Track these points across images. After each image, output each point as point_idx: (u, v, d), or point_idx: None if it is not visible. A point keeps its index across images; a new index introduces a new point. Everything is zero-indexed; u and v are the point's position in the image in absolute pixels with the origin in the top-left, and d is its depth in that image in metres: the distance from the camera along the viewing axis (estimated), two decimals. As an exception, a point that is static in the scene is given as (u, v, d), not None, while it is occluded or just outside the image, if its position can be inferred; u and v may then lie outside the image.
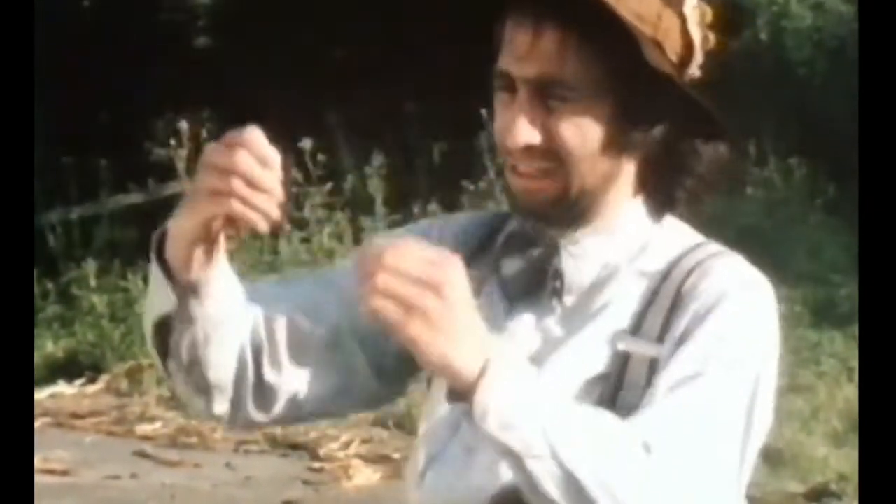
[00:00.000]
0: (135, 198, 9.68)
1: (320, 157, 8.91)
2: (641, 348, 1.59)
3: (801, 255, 8.14)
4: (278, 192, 1.47)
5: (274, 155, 1.48)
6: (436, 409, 1.69)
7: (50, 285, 8.77)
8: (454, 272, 1.43)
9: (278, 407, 1.69)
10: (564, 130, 1.58)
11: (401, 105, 9.07)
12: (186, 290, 1.57)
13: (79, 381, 7.89)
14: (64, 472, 6.23)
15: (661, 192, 1.66)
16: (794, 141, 8.89)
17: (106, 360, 8.04)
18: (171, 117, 9.40)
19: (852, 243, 6.82)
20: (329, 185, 8.82)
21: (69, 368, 8.08)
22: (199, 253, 1.55)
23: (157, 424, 6.90)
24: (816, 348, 7.03)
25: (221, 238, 1.56)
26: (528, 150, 1.60)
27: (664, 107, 1.60)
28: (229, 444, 6.59)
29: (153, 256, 1.58)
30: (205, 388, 1.65)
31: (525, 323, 1.65)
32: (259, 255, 8.55)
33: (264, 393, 1.68)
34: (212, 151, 1.50)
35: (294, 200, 8.77)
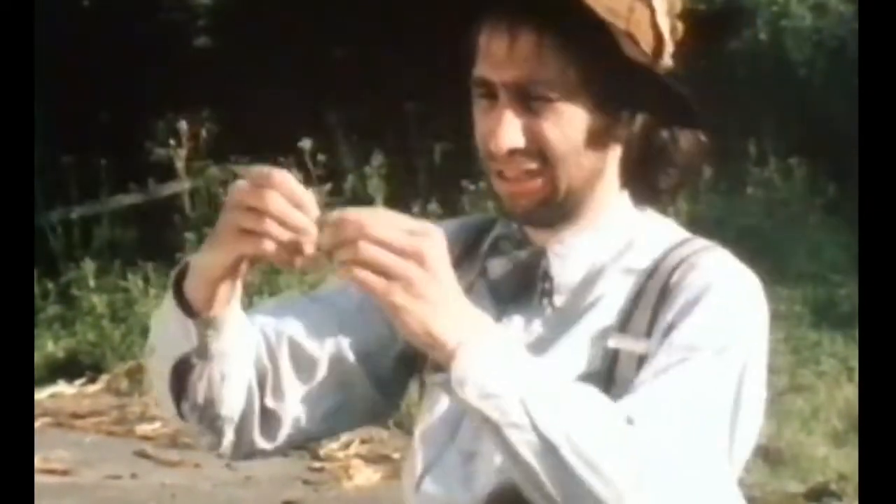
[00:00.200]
0: (135, 198, 9.68)
1: (320, 156, 8.91)
2: (630, 345, 1.60)
3: (801, 255, 8.14)
4: (313, 232, 1.46)
5: (308, 196, 1.47)
6: (433, 410, 1.69)
7: (50, 285, 8.76)
8: (436, 242, 1.44)
9: (283, 433, 1.70)
10: (548, 131, 1.60)
11: (401, 105, 9.06)
12: (206, 327, 1.57)
13: (79, 381, 7.89)
14: (64, 472, 6.23)
15: (644, 182, 1.67)
16: (794, 141, 8.89)
17: (106, 360, 8.04)
18: (171, 117, 9.40)
19: (852, 243, 6.82)
20: (329, 185, 8.82)
21: (69, 368, 8.08)
22: (223, 290, 1.55)
23: (158, 424, 6.88)
24: (816, 348, 7.02)
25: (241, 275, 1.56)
26: (513, 153, 1.61)
27: (643, 97, 1.62)
28: (229, 444, 6.58)
29: (171, 293, 1.58)
30: (218, 426, 1.66)
31: (516, 325, 1.66)
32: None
33: (269, 421, 1.69)
34: (240, 190, 1.48)
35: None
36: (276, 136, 8.93)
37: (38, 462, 5.34)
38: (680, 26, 1.67)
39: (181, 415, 1.65)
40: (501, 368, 1.45)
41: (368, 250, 1.42)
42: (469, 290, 1.61)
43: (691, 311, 1.58)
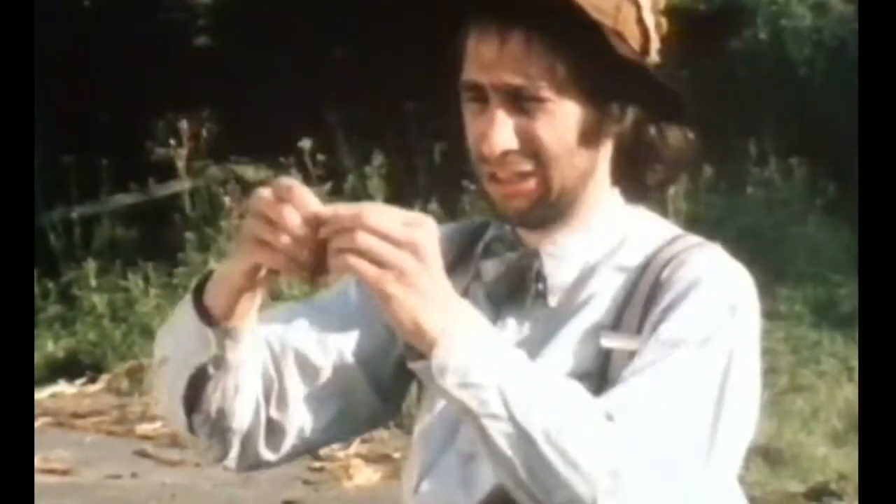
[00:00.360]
0: (135, 197, 9.67)
1: (320, 156, 8.91)
2: (622, 343, 1.61)
3: (801, 254, 8.13)
4: (325, 250, 1.47)
5: (324, 213, 1.47)
6: (432, 411, 1.70)
7: (50, 285, 8.76)
8: (429, 233, 1.45)
9: (287, 444, 1.70)
10: (541, 131, 1.60)
11: (401, 105, 9.06)
12: (225, 337, 1.57)
13: (79, 381, 7.90)
14: (64, 472, 6.24)
15: (632, 179, 1.68)
16: (794, 141, 8.88)
17: (106, 359, 8.04)
18: (172, 117, 9.40)
19: (852, 243, 6.82)
20: (329, 185, 8.82)
21: (70, 368, 8.08)
22: (243, 300, 1.56)
23: (158, 424, 6.88)
24: (816, 348, 7.02)
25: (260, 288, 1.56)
26: (506, 155, 1.61)
27: (634, 92, 1.63)
28: (229, 443, 6.58)
29: (191, 302, 1.58)
30: (227, 439, 1.66)
31: (511, 326, 1.66)
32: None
33: (274, 432, 1.69)
34: (260, 200, 1.49)
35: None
36: (276, 135, 8.94)
37: (38, 462, 5.34)
38: (664, 22, 1.68)
39: (191, 428, 1.65)
40: (482, 358, 1.46)
41: (365, 239, 1.43)
42: (464, 293, 1.62)
43: (678, 306, 1.59)
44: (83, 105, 9.96)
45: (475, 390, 1.45)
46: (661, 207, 1.74)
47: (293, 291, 6.42)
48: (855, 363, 6.19)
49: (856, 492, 5.09)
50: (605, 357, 1.61)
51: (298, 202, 1.47)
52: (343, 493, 6.02)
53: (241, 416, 1.65)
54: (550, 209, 1.64)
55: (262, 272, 1.53)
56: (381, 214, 1.44)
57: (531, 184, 1.62)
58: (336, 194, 8.88)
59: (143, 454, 6.52)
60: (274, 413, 1.68)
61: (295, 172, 8.83)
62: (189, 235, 8.70)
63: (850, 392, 6.21)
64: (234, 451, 1.67)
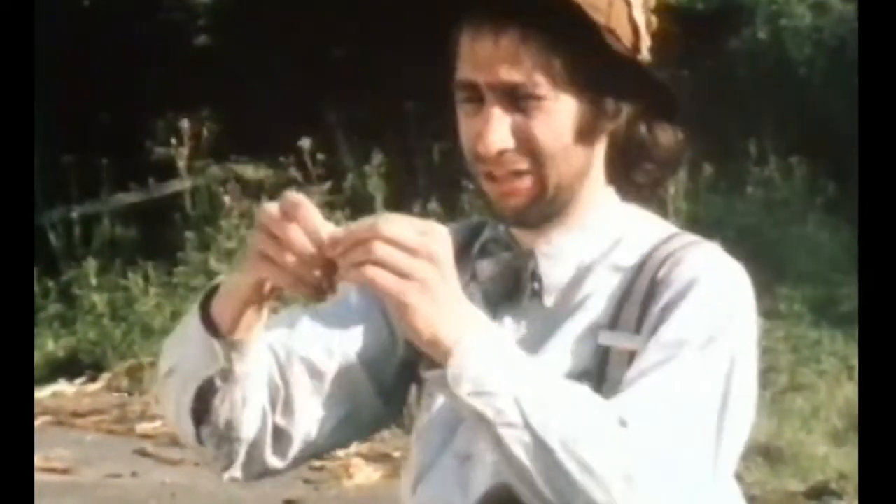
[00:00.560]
0: (136, 196, 9.67)
1: (320, 156, 8.91)
2: (620, 342, 1.61)
3: (801, 254, 8.13)
4: (330, 269, 1.47)
5: (329, 233, 1.47)
6: (430, 412, 1.70)
7: (50, 284, 8.76)
8: (443, 241, 1.45)
9: (293, 450, 1.70)
10: (537, 129, 1.60)
11: (401, 105, 9.06)
12: (231, 350, 1.57)
13: (79, 380, 7.90)
14: (64, 471, 6.24)
15: (624, 177, 1.68)
16: (794, 140, 8.88)
17: (106, 358, 8.04)
18: (172, 116, 9.40)
19: (852, 242, 6.82)
20: (328, 184, 8.82)
21: (70, 367, 8.08)
22: (249, 313, 1.56)
23: (158, 423, 6.88)
24: (817, 347, 7.02)
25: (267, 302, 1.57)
26: (502, 154, 1.61)
27: (629, 88, 1.63)
28: (230, 443, 6.58)
29: (198, 314, 1.58)
30: (235, 449, 1.66)
31: (507, 326, 1.66)
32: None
33: (280, 440, 1.69)
34: (268, 215, 1.49)
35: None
36: (276, 135, 8.93)
37: (38, 461, 5.34)
38: (654, 20, 1.69)
39: (199, 440, 1.65)
40: (497, 366, 1.46)
41: (383, 249, 1.42)
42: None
43: (678, 306, 1.58)
44: (83, 105, 9.96)
45: (491, 398, 1.45)
46: (661, 207, 1.74)
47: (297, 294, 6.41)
48: (855, 362, 6.19)
49: (856, 491, 5.09)
50: (604, 356, 1.61)
51: (304, 220, 1.46)
52: (343, 492, 6.02)
53: (249, 426, 1.65)
54: (547, 207, 1.64)
55: (268, 287, 1.54)
56: (394, 224, 1.44)
57: (527, 182, 1.62)
58: (336, 194, 8.89)
59: (143, 453, 6.52)
60: (280, 420, 1.68)
61: (294, 171, 8.84)
62: (189, 235, 8.70)
63: (850, 391, 6.21)
64: (241, 461, 1.67)
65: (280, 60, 9.76)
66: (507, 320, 1.67)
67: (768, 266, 5.78)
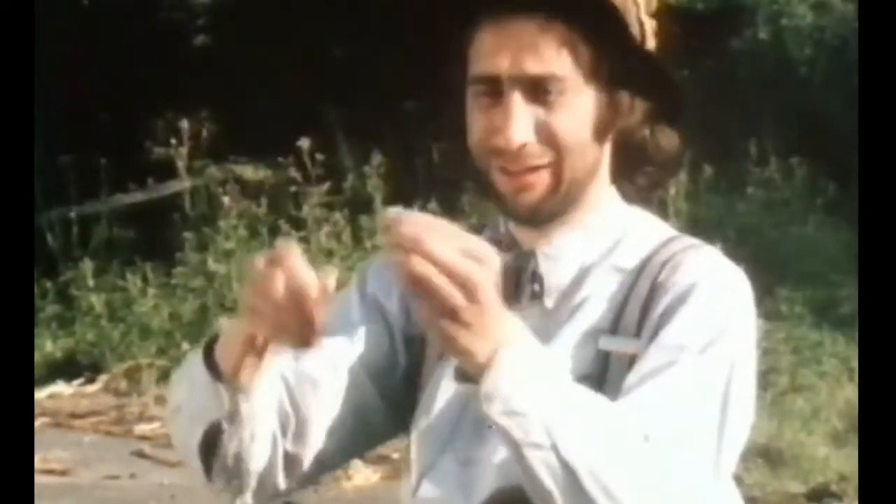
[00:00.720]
0: (135, 197, 9.67)
1: (319, 156, 8.89)
2: (620, 346, 1.60)
3: (801, 255, 8.13)
4: (315, 319, 1.47)
5: (314, 283, 1.46)
6: (430, 414, 1.69)
7: (49, 285, 8.74)
8: (488, 268, 1.43)
9: (304, 472, 1.70)
10: (559, 122, 1.60)
11: (401, 105, 9.06)
12: (236, 393, 1.57)
13: (77, 381, 7.88)
14: (63, 472, 6.23)
15: (626, 178, 1.69)
16: (794, 141, 8.89)
17: (105, 359, 8.03)
18: (171, 116, 9.40)
19: (852, 243, 6.81)
20: (328, 185, 8.81)
21: (68, 368, 8.07)
22: (250, 359, 1.56)
23: (156, 424, 6.87)
24: (817, 348, 7.02)
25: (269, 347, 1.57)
26: (522, 147, 1.60)
27: (643, 86, 1.63)
28: (229, 443, 6.57)
29: (202, 358, 1.59)
30: (246, 482, 1.66)
31: None
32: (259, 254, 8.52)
33: (291, 464, 1.69)
34: (255, 267, 1.49)
35: (292, 200, 8.77)
36: (276, 135, 8.93)
37: (36, 462, 5.33)
38: (654, 24, 1.69)
39: (209, 476, 1.66)
40: (528, 388, 1.45)
41: (420, 266, 1.41)
42: None
43: (678, 311, 1.58)
44: (83, 105, 9.96)
45: (519, 419, 1.45)
46: (662, 208, 1.74)
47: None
48: (856, 364, 6.19)
49: (856, 492, 5.09)
50: (604, 360, 1.61)
51: (288, 270, 1.46)
52: (342, 493, 6.01)
53: (259, 459, 1.65)
54: (558, 204, 1.64)
55: (260, 339, 1.54)
56: (441, 240, 1.42)
57: (543, 176, 1.62)
58: (335, 194, 8.89)
59: (142, 454, 6.51)
60: (290, 446, 1.68)
61: (294, 172, 8.83)
62: (188, 235, 8.69)
63: (850, 392, 6.20)
64: (252, 489, 1.67)
65: (279, 60, 9.76)
66: None
67: (769, 267, 5.78)
